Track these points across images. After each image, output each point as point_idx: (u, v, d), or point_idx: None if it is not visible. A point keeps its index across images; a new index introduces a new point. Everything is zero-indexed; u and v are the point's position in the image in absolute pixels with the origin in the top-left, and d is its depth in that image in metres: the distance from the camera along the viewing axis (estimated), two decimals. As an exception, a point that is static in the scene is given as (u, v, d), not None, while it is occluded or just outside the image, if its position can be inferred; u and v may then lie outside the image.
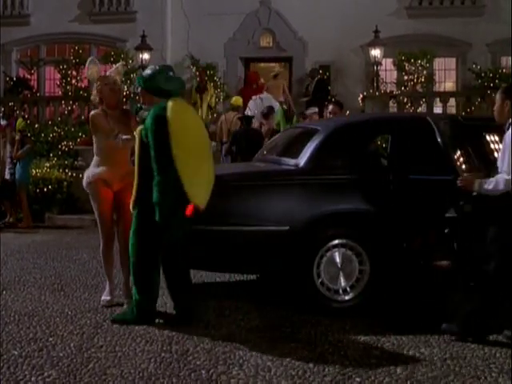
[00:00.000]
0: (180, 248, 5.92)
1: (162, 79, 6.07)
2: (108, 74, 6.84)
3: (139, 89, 6.47)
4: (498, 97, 5.75)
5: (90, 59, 6.97)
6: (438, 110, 17.32)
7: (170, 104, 5.84)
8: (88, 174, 6.56)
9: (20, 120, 14.88)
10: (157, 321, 6.03)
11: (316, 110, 12.81)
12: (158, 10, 20.66)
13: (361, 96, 18.48)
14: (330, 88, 19.76)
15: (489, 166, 6.65)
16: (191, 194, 5.73)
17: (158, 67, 6.27)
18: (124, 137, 6.31)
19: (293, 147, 7.38)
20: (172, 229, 5.86)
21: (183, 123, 5.87)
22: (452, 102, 17.77)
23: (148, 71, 6.25)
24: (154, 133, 5.81)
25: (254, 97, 16.44)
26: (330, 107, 10.88)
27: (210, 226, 6.27)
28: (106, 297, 6.68)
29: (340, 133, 7.02)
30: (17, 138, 13.82)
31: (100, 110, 6.67)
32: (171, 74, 6.20)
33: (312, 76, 19.33)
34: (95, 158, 6.62)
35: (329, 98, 18.34)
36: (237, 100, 16.01)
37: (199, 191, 5.84)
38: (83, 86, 19.51)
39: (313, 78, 19.21)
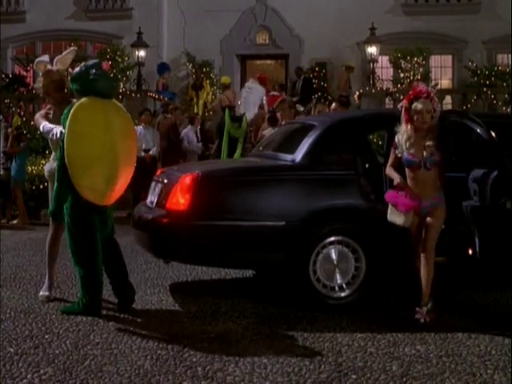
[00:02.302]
0: (113, 241, 6.42)
1: (86, 79, 6.05)
2: (55, 67, 6.73)
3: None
4: None
5: (37, 60, 6.91)
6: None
7: (77, 103, 5.95)
8: None
9: (16, 117, 14.89)
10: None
11: (301, 108, 12.83)
12: (154, 7, 20.66)
13: (357, 93, 18.49)
14: (325, 85, 19.82)
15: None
16: (82, 190, 5.96)
17: (83, 66, 6.18)
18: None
19: (289, 143, 7.38)
20: (108, 225, 6.32)
21: (82, 123, 5.93)
22: (448, 99, 17.77)
23: (75, 70, 6.20)
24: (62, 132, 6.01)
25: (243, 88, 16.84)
26: (333, 105, 10.77)
27: (206, 221, 6.27)
28: (44, 292, 6.73)
29: (336, 128, 7.03)
30: (9, 130, 13.83)
31: (44, 111, 6.76)
32: (95, 71, 6.12)
33: (298, 75, 19.40)
34: None
35: (315, 96, 18.39)
36: (225, 79, 18.00)
37: (93, 187, 6.00)
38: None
39: (299, 77, 19.27)
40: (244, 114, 14.69)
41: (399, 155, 5.96)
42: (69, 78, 6.36)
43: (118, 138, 6.10)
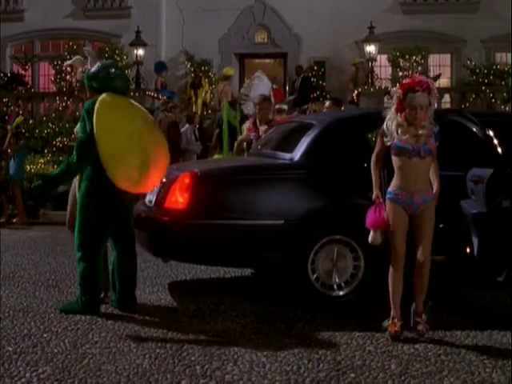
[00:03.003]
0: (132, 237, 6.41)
1: (105, 77, 6.21)
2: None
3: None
4: None
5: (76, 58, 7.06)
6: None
7: (100, 98, 6.00)
8: None
9: (20, 117, 14.96)
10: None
11: (285, 107, 12.70)
12: (152, 6, 20.67)
13: (355, 92, 18.51)
14: (324, 84, 19.85)
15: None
16: (118, 181, 5.95)
17: (101, 65, 6.37)
18: None
19: (288, 141, 7.38)
20: (130, 220, 6.38)
21: (109, 115, 5.99)
22: (447, 98, 17.78)
23: (93, 69, 6.36)
24: (83, 126, 6.03)
25: (247, 81, 17.18)
26: (327, 103, 10.58)
27: (204, 219, 6.27)
28: None
29: (335, 127, 7.02)
30: (8, 128, 13.85)
31: None
32: (113, 70, 6.34)
33: (298, 73, 19.44)
34: None
35: (313, 95, 18.45)
36: (227, 71, 18.00)
37: (126, 176, 6.00)
38: (76, 81, 19.47)
39: (298, 75, 19.32)
40: (238, 103, 15.06)
41: (388, 143, 5.45)
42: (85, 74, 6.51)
43: (144, 128, 6.19)
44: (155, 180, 6.31)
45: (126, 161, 5.99)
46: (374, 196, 5.59)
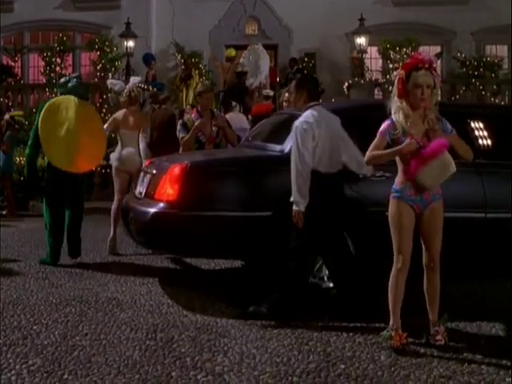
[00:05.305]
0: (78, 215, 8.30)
1: (65, 85, 8.37)
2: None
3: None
4: (292, 88, 6.32)
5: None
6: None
7: (49, 101, 8.29)
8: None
9: (17, 113, 14.92)
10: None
11: (271, 93, 12.62)
12: (142, -3, 20.61)
13: (346, 84, 18.53)
14: (315, 76, 19.82)
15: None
16: (51, 158, 8.04)
17: (67, 77, 8.87)
18: None
19: (278, 133, 7.36)
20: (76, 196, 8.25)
21: (48, 113, 8.01)
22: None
23: (61, 80, 8.80)
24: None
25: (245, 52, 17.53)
26: (286, 95, 9.42)
27: (194, 211, 6.26)
28: None
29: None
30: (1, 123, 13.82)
31: None
32: (75, 80, 8.41)
33: (291, 66, 19.47)
34: None
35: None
36: (230, 52, 18.83)
37: (57, 156, 7.98)
38: (67, 73, 19.41)
39: (292, 69, 19.34)
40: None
41: (395, 137, 4.92)
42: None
43: (78, 122, 7.96)
44: (85, 163, 8.13)
45: (58, 145, 7.86)
46: (408, 142, 4.84)
